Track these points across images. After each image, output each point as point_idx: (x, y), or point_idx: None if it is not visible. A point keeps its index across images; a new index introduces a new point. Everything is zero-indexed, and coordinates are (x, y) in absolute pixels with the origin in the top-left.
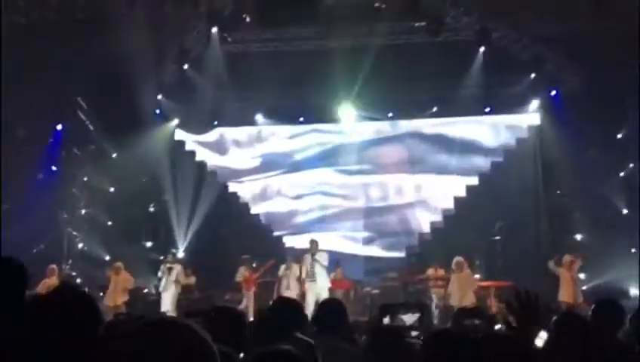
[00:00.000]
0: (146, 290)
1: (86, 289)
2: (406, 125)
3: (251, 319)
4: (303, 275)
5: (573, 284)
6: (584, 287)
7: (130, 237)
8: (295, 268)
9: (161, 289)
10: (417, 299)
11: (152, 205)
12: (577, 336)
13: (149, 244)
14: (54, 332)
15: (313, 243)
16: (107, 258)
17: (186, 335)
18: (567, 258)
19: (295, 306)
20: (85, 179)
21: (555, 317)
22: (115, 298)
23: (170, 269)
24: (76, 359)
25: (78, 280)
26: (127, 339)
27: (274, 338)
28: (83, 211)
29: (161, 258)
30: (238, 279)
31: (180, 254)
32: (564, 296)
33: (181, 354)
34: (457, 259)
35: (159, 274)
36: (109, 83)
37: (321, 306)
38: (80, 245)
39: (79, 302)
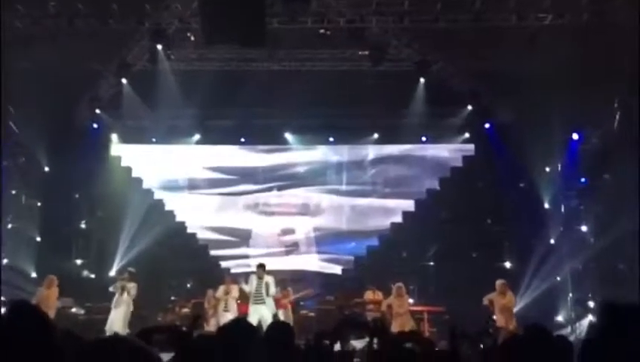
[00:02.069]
0: (73, 309)
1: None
2: (345, 151)
3: None
4: (250, 296)
5: (506, 309)
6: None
7: (60, 254)
8: (235, 289)
9: (112, 306)
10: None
11: (83, 221)
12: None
13: (79, 262)
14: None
15: (260, 266)
16: (34, 275)
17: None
18: (499, 282)
19: (253, 326)
20: (13, 192)
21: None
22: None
23: (123, 287)
24: None
25: (2, 298)
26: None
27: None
28: (9, 225)
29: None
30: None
31: (112, 273)
32: (500, 321)
33: None
34: (398, 284)
35: (111, 288)
36: (43, 94)
37: (273, 327)
38: (5, 260)
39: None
